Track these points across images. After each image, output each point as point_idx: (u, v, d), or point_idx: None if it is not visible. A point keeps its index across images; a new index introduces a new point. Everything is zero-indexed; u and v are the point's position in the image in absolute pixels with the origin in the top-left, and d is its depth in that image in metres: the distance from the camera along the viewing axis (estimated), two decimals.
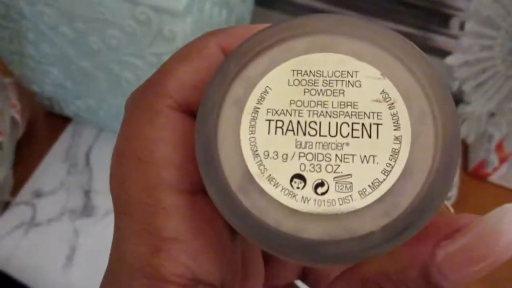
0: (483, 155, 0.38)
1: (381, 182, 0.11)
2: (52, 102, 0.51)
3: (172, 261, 0.12)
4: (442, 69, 0.44)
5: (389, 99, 0.12)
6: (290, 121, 0.12)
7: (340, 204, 0.11)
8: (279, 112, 0.12)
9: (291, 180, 0.12)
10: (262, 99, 0.12)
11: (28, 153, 0.51)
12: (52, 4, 0.35)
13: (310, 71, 0.12)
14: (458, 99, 0.43)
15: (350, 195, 0.12)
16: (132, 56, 0.37)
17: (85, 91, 0.46)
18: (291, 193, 0.12)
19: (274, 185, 0.12)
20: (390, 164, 0.12)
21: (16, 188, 0.48)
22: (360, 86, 0.12)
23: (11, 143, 0.49)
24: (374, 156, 0.12)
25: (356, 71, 0.12)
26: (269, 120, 0.12)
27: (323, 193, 0.12)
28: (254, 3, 0.55)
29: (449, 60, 0.41)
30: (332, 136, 0.12)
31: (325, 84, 0.12)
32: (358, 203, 0.11)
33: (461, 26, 0.41)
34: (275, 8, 0.61)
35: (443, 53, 0.57)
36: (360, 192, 0.11)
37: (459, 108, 0.41)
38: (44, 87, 0.47)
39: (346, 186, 0.12)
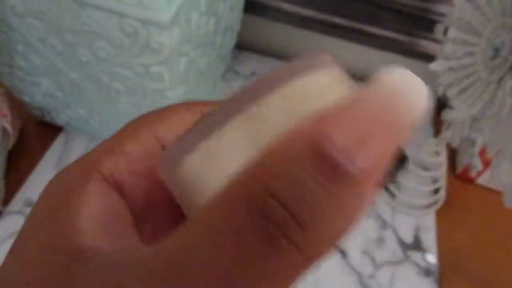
0: (468, 160, 0.39)
1: None
2: (43, 112, 0.51)
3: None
4: (427, 74, 0.45)
5: None
6: None
7: None
8: None
9: None
10: None
11: (19, 162, 0.51)
12: (40, 17, 0.36)
13: None
14: (443, 104, 0.44)
15: None
16: (121, 67, 0.38)
17: (75, 101, 0.46)
18: None
19: None
20: None
21: (8, 197, 0.48)
22: None
23: (2, 152, 0.49)
24: None
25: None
26: None
27: None
28: (243, 11, 0.56)
29: (433, 66, 0.41)
30: None
31: None
32: None
33: (446, 32, 0.41)
34: (264, 16, 0.62)
35: (428, 58, 0.58)
36: None
37: (444, 113, 0.42)
38: (35, 97, 0.48)
39: None
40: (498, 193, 0.54)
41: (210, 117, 0.11)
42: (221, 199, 0.09)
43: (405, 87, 0.09)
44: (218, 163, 0.10)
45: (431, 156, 0.49)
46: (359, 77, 0.72)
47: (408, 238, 0.50)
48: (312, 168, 0.09)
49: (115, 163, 0.13)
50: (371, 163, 0.09)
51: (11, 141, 0.51)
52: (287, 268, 0.09)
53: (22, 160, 0.52)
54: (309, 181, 0.09)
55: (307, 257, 0.09)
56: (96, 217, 0.12)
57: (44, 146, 0.53)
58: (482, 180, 0.54)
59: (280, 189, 0.09)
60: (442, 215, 0.52)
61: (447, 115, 0.42)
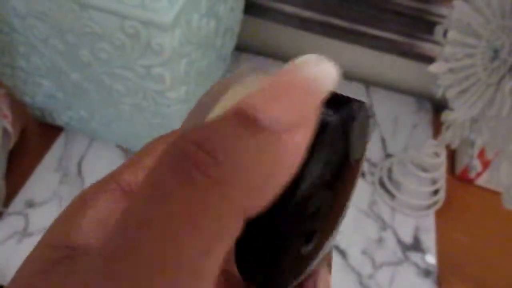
0: (467, 161, 0.39)
1: None
2: (43, 112, 0.51)
3: None
4: (427, 75, 0.45)
5: None
6: None
7: None
8: None
9: None
10: None
11: (20, 163, 0.52)
12: (42, 18, 0.36)
13: None
14: (443, 105, 0.44)
15: None
16: (122, 68, 0.38)
17: (76, 102, 0.46)
18: None
19: None
20: None
21: (9, 198, 0.48)
22: None
23: (3, 153, 0.50)
24: None
25: None
26: None
27: None
28: (243, 12, 0.56)
29: (432, 67, 0.42)
30: None
31: None
32: None
33: (445, 34, 0.42)
34: (264, 17, 0.62)
35: (428, 60, 0.58)
36: None
37: (443, 114, 0.42)
38: (36, 98, 0.48)
39: None
40: (497, 194, 0.54)
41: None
42: (161, 154, 0.11)
43: (307, 63, 0.11)
44: None
45: (430, 157, 0.50)
46: (359, 78, 0.72)
47: (408, 239, 0.50)
48: (230, 123, 0.10)
49: (134, 175, 0.14)
50: (277, 114, 0.10)
51: (12, 141, 0.51)
52: (204, 201, 0.10)
53: (23, 161, 0.52)
54: (227, 130, 0.10)
55: (224, 191, 0.10)
56: (102, 220, 0.13)
57: (45, 146, 0.53)
58: (481, 181, 0.55)
59: (202, 139, 0.10)
60: (442, 216, 0.52)
61: (446, 116, 0.42)
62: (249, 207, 0.10)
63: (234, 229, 0.10)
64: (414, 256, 0.48)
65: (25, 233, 0.46)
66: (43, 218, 0.47)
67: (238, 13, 0.53)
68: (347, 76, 0.68)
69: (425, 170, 0.52)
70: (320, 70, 0.11)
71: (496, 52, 0.36)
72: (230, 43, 0.55)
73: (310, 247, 0.13)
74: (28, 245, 0.45)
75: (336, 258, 0.47)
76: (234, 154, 0.10)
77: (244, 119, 0.10)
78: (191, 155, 0.10)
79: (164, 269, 0.09)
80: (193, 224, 0.09)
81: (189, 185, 0.10)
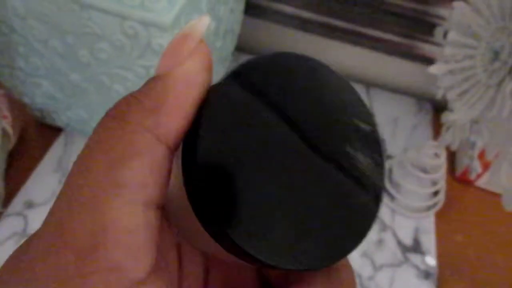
0: (467, 162, 0.39)
1: None
2: (43, 113, 0.51)
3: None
4: (427, 76, 0.45)
5: None
6: None
7: None
8: None
9: None
10: None
11: (19, 164, 0.51)
12: (42, 18, 0.36)
13: None
14: (443, 106, 0.44)
15: None
16: (122, 69, 0.38)
17: (76, 103, 0.46)
18: None
19: None
20: None
21: (8, 199, 0.48)
22: None
23: (2, 154, 0.49)
24: None
25: None
26: None
27: None
28: (243, 13, 0.56)
29: (432, 69, 0.42)
30: None
31: None
32: None
33: (446, 35, 0.42)
34: (264, 18, 0.62)
35: (428, 61, 0.58)
36: None
37: (443, 115, 0.42)
38: (35, 99, 0.48)
39: None
40: (497, 196, 0.54)
41: None
42: None
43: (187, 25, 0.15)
44: None
45: (430, 158, 0.50)
46: (359, 79, 0.72)
47: (408, 240, 0.50)
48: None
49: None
50: (163, 63, 0.15)
51: (12, 142, 0.51)
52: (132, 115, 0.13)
53: (22, 161, 0.52)
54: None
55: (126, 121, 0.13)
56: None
57: (44, 147, 0.53)
58: (481, 182, 0.55)
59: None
60: (442, 217, 0.52)
61: (446, 117, 0.42)
62: (153, 126, 0.13)
63: (144, 147, 0.13)
64: (414, 258, 0.48)
65: (24, 234, 0.46)
66: (42, 219, 0.47)
67: (239, 14, 0.53)
68: (347, 77, 0.68)
69: (425, 171, 0.52)
70: (191, 24, 0.15)
71: (496, 54, 0.36)
72: (231, 44, 0.55)
73: None
74: None
75: None
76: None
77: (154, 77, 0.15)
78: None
79: (87, 177, 0.12)
80: (102, 149, 0.13)
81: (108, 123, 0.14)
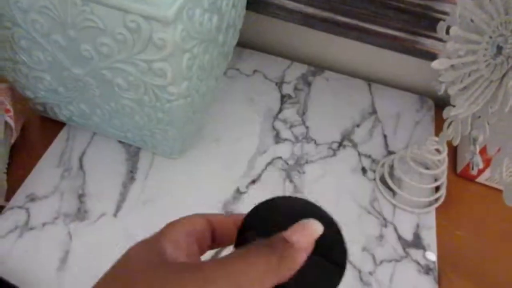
0: (469, 158, 0.39)
1: None
2: (45, 107, 0.51)
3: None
4: (430, 72, 0.45)
5: None
6: None
7: None
8: None
9: None
10: None
11: (22, 157, 0.52)
12: (44, 12, 0.36)
13: None
14: (445, 102, 0.44)
15: None
16: (123, 63, 0.38)
17: (77, 97, 0.46)
18: None
19: None
20: None
21: (10, 192, 0.49)
22: None
23: (5, 148, 0.50)
24: None
25: None
26: None
27: None
28: (245, 8, 0.56)
29: (434, 64, 0.41)
30: None
31: None
32: None
33: (448, 30, 0.41)
34: (266, 13, 0.62)
35: (431, 56, 0.58)
36: None
37: (445, 111, 0.42)
38: (37, 93, 0.48)
39: None
40: (498, 191, 0.54)
41: None
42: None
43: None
44: None
45: (432, 154, 0.50)
46: (361, 75, 0.72)
47: (408, 236, 0.50)
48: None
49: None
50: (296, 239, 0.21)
51: (14, 136, 0.51)
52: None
53: (24, 155, 0.52)
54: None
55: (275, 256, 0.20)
56: (177, 239, 0.21)
57: (47, 141, 0.54)
58: (482, 178, 0.55)
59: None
60: (443, 213, 0.52)
61: (448, 113, 0.42)
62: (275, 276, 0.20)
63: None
64: (415, 253, 0.48)
65: (26, 227, 0.46)
66: (44, 212, 0.47)
67: (241, 9, 0.53)
68: (350, 73, 0.67)
69: (426, 167, 0.52)
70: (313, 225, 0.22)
71: (499, 49, 0.35)
72: (233, 39, 0.55)
73: None
74: (29, 239, 0.45)
75: None
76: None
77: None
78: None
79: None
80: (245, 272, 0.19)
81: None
